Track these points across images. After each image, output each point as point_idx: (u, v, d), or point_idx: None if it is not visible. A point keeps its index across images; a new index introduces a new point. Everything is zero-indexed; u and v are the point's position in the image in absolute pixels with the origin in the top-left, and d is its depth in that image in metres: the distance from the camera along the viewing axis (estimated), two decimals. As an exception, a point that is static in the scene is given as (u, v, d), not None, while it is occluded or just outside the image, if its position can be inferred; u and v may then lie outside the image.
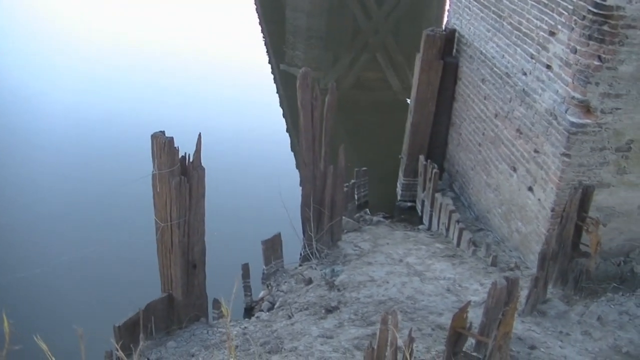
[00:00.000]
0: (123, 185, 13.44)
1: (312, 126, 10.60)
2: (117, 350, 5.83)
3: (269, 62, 25.32)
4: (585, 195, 8.85)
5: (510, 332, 6.55)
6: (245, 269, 10.65)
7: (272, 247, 10.98)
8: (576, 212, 8.80)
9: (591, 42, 8.87)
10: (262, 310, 10.17)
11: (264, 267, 11.05)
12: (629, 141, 9.42)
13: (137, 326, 8.61)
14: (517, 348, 7.29)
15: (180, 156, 8.34)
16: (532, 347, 7.46)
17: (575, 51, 9.16)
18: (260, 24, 29.14)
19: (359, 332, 8.06)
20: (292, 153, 17.04)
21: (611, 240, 9.81)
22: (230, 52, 25.86)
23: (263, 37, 27.79)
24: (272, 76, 24.05)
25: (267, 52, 26.33)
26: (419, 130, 13.93)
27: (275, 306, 10.11)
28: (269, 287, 10.85)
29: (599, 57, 8.85)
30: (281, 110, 20.54)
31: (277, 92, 22.40)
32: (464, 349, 6.79)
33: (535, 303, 8.61)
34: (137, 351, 5.69)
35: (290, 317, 9.09)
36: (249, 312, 10.55)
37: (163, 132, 8.21)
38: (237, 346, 8.25)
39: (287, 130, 18.84)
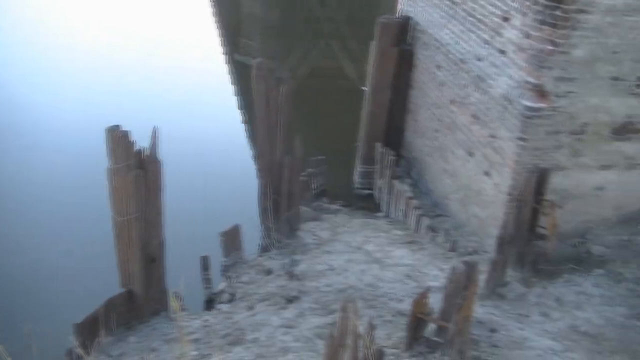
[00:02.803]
0: (78, 182, 13.33)
1: (267, 116, 10.55)
2: (77, 348, 5.77)
3: (224, 53, 25.17)
4: (541, 179, 8.95)
5: (471, 316, 6.60)
6: (205, 261, 10.60)
7: (231, 238, 10.92)
8: (532, 195, 8.89)
9: (544, 27, 8.93)
10: (222, 302, 10.11)
11: (224, 258, 10.99)
12: (583, 124, 9.52)
13: (98, 323, 8.53)
14: (478, 331, 7.34)
15: (136, 150, 8.27)
16: (493, 330, 7.52)
17: (528, 36, 9.22)
18: (214, 14, 28.95)
19: (320, 321, 8.05)
20: (249, 144, 16.96)
21: (567, 222, 9.90)
22: (184, 44, 25.66)
23: (217, 28, 27.62)
24: (227, 67, 23.92)
25: (221, 42, 26.17)
26: (375, 118, 13.96)
27: (236, 297, 10.06)
28: (229, 279, 10.79)
29: (552, 42, 8.91)
30: (237, 101, 20.44)
31: (233, 83, 22.28)
32: (425, 335, 6.82)
33: (494, 286, 8.68)
34: (93, 347, 5.63)
35: (251, 308, 9.06)
36: (209, 304, 10.48)
37: (118, 126, 8.13)
38: (198, 339, 8.20)
39: (244, 122, 18.76)
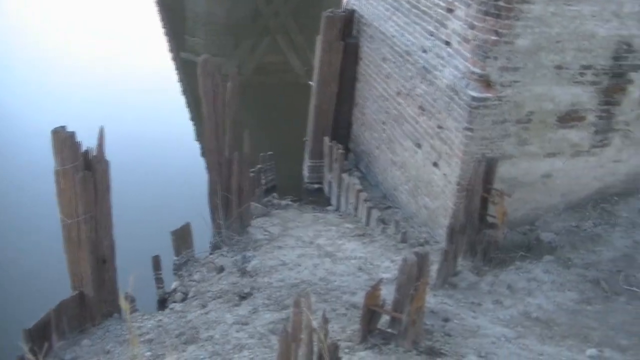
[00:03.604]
0: (24, 185, 13.12)
1: (214, 113, 10.51)
2: (28, 354, 5.64)
3: (170, 51, 24.94)
4: (489, 168, 9.04)
5: (423, 306, 6.63)
6: (156, 261, 10.51)
7: (182, 237, 10.86)
8: (481, 184, 8.97)
9: (488, 18, 9.01)
10: (175, 302, 10.03)
11: (175, 257, 10.92)
12: (529, 113, 9.62)
13: (49, 327, 8.40)
14: (431, 321, 7.38)
15: (82, 150, 8.16)
16: (446, 320, 7.57)
17: (473, 27, 9.29)
18: (159, 12, 28.65)
19: (274, 317, 8.04)
20: (197, 141, 16.85)
21: (516, 210, 10.01)
22: (128, 44, 25.35)
23: (162, 26, 27.34)
24: (173, 65, 23.72)
25: (167, 40, 25.93)
26: (322, 112, 13.96)
27: (189, 296, 9.99)
28: (181, 278, 10.73)
29: (496, 32, 8.99)
30: (184, 99, 20.28)
31: (179, 81, 22.10)
32: (378, 326, 6.84)
33: (446, 276, 8.74)
34: (43, 353, 5.51)
35: (204, 307, 9.01)
36: (162, 304, 10.40)
37: (64, 127, 8.01)
38: (152, 339, 8.13)
39: (192, 119, 18.62)
